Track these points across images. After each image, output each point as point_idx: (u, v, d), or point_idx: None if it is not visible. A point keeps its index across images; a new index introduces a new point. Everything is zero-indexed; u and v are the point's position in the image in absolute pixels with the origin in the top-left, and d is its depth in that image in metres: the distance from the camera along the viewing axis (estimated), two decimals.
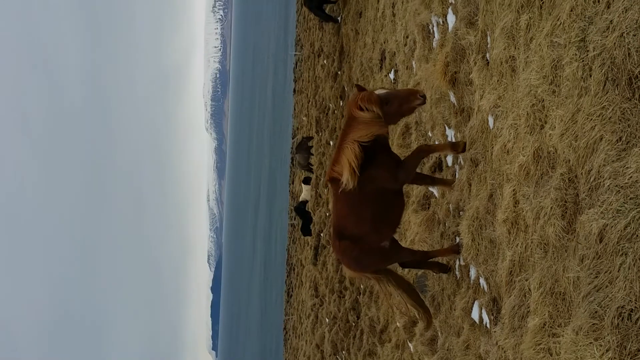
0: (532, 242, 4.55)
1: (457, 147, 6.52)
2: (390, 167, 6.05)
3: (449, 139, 7.51)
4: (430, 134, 8.45)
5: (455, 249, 6.71)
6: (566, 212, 4.05)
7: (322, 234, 21.31)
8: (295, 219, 30.15)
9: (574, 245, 3.91)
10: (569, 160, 4.03)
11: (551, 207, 4.19)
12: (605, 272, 3.49)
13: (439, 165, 8.06)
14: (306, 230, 23.66)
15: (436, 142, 7.85)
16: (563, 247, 4.07)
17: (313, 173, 25.02)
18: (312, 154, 24.88)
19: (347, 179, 5.78)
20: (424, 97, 5.72)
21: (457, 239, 6.71)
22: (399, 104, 5.78)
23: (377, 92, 5.86)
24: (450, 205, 7.17)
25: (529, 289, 4.59)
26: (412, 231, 8.65)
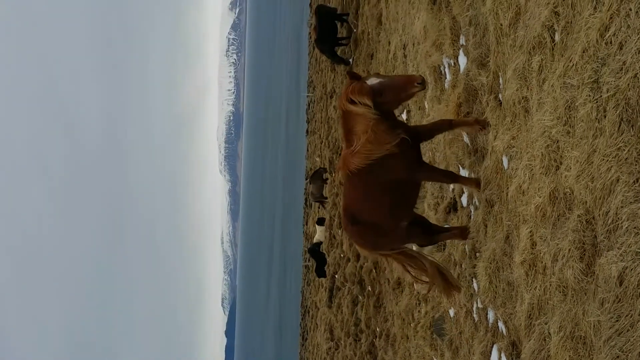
0: (550, 284, 4.48)
1: (483, 123, 6.16)
2: (411, 163, 5.77)
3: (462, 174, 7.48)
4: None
5: (465, 234, 6.59)
6: (584, 254, 3.98)
7: (336, 276, 21.15)
8: (309, 260, 30.04)
9: (593, 289, 3.84)
10: (586, 202, 3.98)
11: (569, 250, 4.13)
12: (627, 315, 3.41)
13: (454, 206, 8.01)
14: (320, 272, 23.52)
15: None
16: (582, 290, 4.00)
17: (326, 201, 24.98)
18: (326, 184, 24.89)
19: (380, 149, 5.41)
20: (422, 82, 5.29)
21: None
22: (395, 93, 5.40)
23: (369, 81, 5.44)
24: (466, 246, 7.10)
25: (549, 333, 4.50)
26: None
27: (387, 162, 5.56)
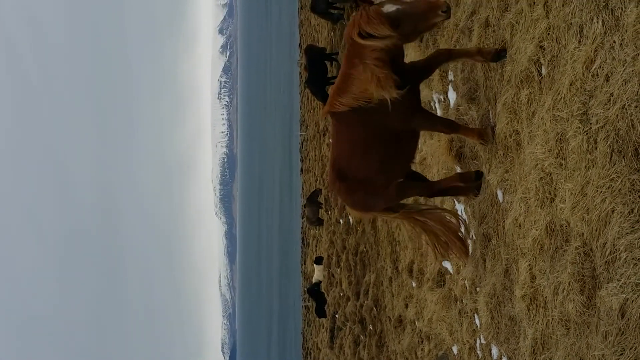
0: (552, 318, 4.43)
1: (487, 55, 5.42)
2: (406, 108, 5.04)
3: (459, 214, 7.47)
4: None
5: (476, 187, 6.05)
6: (585, 286, 3.95)
7: (337, 315, 20.94)
8: (309, 300, 29.77)
9: (596, 321, 3.80)
10: (583, 234, 3.97)
11: (569, 282, 4.10)
12: (630, 348, 3.38)
13: None
14: (321, 312, 23.28)
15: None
16: (585, 323, 3.96)
17: (323, 226, 24.80)
18: (322, 207, 24.76)
19: (382, 94, 4.76)
20: (447, 10, 4.49)
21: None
22: (414, 22, 4.56)
23: (385, 8, 4.59)
24: (465, 281, 7.05)
25: None
26: (428, 309, 8.49)
27: (378, 108, 4.91)
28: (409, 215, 5.98)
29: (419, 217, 5.95)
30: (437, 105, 8.24)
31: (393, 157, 5.37)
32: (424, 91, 8.68)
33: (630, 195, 3.48)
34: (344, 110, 5.02)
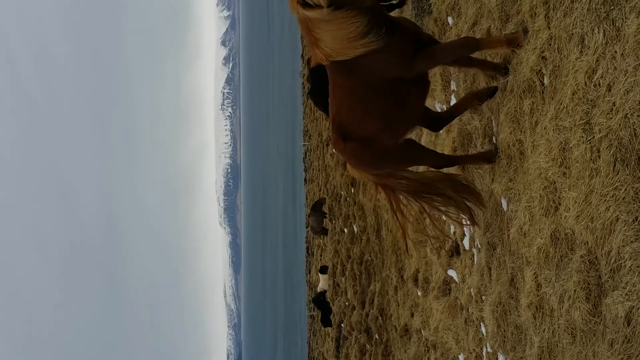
0: (559, 326, 4.45)
1: (515, 41, 5.01)
2: (402, 52, 4.53)
3: (463, 220, 7.50)
4: (444, 217, 8.44)
5: (489, 156, 5.64)
6: (590, 294, 3.98)
7: (342, 325, 20.93)
8: (314, 310, 29.74)
9: (602, 329, 3.82)
10: (588, 242, 4.00)
11: (575, 290, 4.12)
12: (637, 356, 3.40)
13: (456, 249, 8.00)
14: (326, 321, 23.25)
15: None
16: (591, 331, 3.98)
17: (327, 235, 24.75)
18: (326, 216, 24.74)
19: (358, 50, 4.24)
20: None
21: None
22: None
23: None
24: (471, 290, 7.07)
25: None
26: (434, 318, 8.50)
27: (373, 58, 4.44)
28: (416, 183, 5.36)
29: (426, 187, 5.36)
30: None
31: (397, 113, 4.85)
32: (427, 101, 8.73)
33: (634, 204, 3.51)
34: (325, 62, 4.52)
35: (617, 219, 3.65)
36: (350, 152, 5.00)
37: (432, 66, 5.21)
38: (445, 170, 5.75)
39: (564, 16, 4.40)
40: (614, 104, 3.69)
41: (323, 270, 24.07)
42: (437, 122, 5.86)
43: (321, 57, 4.45)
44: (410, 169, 5.65)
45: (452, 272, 8.06)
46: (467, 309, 7.29)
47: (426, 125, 5.74)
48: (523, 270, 5.21)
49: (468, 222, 5.64)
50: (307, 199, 37.88)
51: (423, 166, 6.41)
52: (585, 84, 4.02)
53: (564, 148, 4.33)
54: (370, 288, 15.25)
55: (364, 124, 4.83)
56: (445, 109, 7.94)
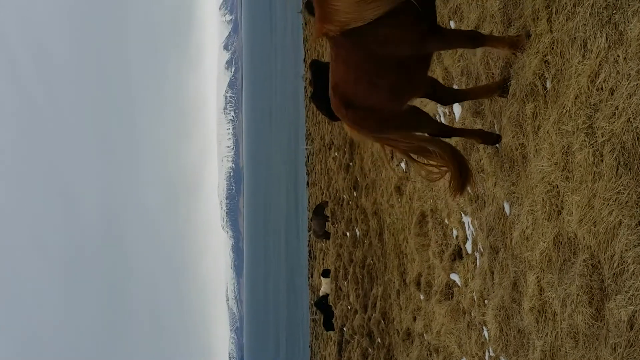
0: (561, 331, 4.45)
1: (517, 44, 5.09)
2: (417, 29, 4.49)
3: (466, 227, 7.50)
4: (447, 221, 8.45)
5: (489, 139, 5.59)
6: (593, 299, 3.97)
7: (345, 328, 20.91)
8: (316, 313, 29.73)
9: (604, 334, 3.82)
10: (590, 246, 4.00)
11: (577, 294, 4.12)
12: None
13: (459, 253, 8.00)
14: (328, 325, 23.25)
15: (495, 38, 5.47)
16: (594, 335, 3.97)
17: (329, 239, 24.74)
18: (328, 220, 24.74)
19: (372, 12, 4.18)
20: None
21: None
22: None
23: None
24: (474, 294, 7.06)
25: None
26: (437, 322, 8.50)
27: (383, 33, 4.40)
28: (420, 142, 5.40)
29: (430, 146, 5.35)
30: (442, 118, 8.29)
31: (403, 84, 4.86)
32: (429, 104, 8.74)
33: (637, 208, 3.51)
34: (337, 33, 4.45)
35: (620, 223, 3.64)
36: (353, 120, 5.01)
37: (442, 48, 5.26)
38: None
39: (567, 20, 4.40)
40: (616, 108, 3.69)
41: (325, 273, 24.08)
42: (448, 97, 5.90)
43: (335, 28, 4.38)
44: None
45: (454, 276, 8.06)
46: (470, 313, 7.29)
47: (437, 98, 5.72)
48: (526, 274, 5.21)
49: (457, 185, 5.54)
50: (309, 202, 37.87)
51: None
52: (588, 88, 4.02)
53: (566, 152, 4.33)
54: (372, 292, 15.24)
55: (370, 96, 4.83)
56: (448, 113, 7.95)
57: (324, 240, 26.41)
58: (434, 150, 5.29)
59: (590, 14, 4.06)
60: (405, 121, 5.17)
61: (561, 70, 4.49)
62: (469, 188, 5.67)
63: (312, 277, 35.85)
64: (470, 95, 5.95)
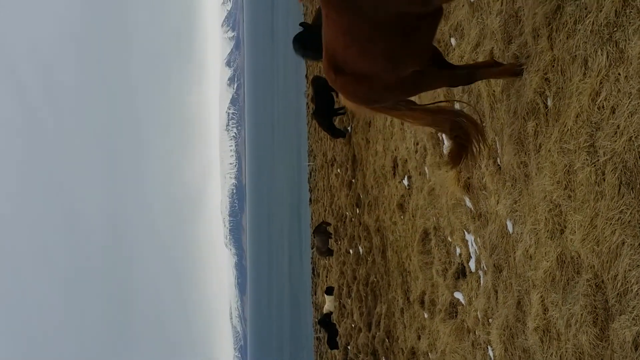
0: (566, 351, 4.40)
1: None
2: None
3: (469, 245, 7.45)
4: (450, 239, 8.41)
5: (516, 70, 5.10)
6: (597, 319, 3.94)
7: (349, 347, 20.77)
8: (320, 331, 29.56)
9: (609, 354, 3.78)
10: (594, 266, 3.96)
11: (582, 314, 4.08)
12: None
13: (462, 271, 7.95)
14: (332, 343, 23.11)
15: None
16: (599, 356, 3.93)
17: (333, 256, 24.69)
18: (332, 237, 24.70)
19: None
20: None
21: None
22: None
23: None
24: (478, 312, 7.01)
25: None
26: (441, 341, 8.43)
27: None
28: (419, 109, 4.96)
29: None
30: (444, 136, 8.28)
31: (403, 51, 4.22)
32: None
33: (639, 228, 3.48)
34: None
35: (623, 243, 3.62)
36: (342, 86, 4.46)
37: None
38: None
39: (567, 38, 4.40)
40: (618, 126, 3.67)
41: (329, 291, 23.98)
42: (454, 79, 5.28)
43: None
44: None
45: (458, 295, 8.01)
46: (474, 332, 7.23)
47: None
48: (530, 293, 5.17)
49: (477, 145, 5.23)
50: (312, 219, 37.80)
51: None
52: (589, 106, 4.01)
53: (568, 171, 4.31)
54: (376, 310, 15.15)
55: (361, 64, 4.25)
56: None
57: (327, 257, 26.36)
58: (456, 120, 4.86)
59: (591, 32, 4.06)
60: (405, 88, 4.62)
61: (562, 88, 4.48)
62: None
63: (315, 294, 35.69)
64: (479, 75, 5.31)
